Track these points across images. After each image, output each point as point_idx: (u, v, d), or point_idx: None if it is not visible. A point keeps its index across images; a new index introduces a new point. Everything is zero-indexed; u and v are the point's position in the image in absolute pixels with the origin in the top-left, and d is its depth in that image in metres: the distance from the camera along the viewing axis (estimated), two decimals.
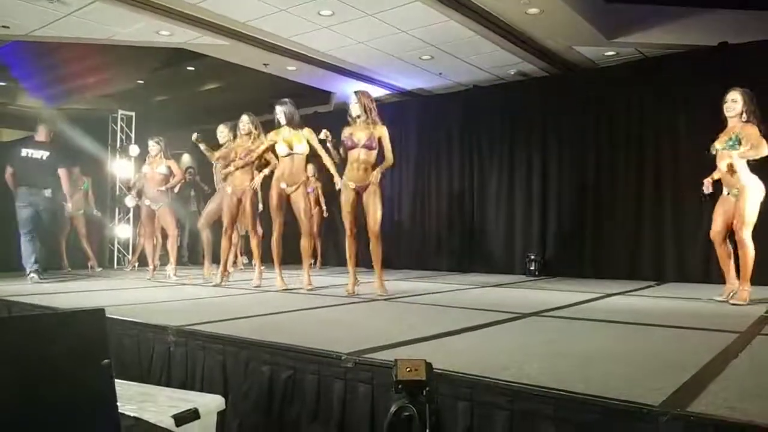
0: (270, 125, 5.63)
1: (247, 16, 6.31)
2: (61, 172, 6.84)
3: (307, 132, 5.38)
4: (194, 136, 6.17)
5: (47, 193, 6.67)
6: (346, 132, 4.99)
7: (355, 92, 5.02)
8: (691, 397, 1.83)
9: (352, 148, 4.91)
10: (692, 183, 6.47)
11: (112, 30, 6.63)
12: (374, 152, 4.92)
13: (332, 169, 5.21)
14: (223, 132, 6.49)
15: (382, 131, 4.92)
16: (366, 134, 4.87)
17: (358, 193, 4.96)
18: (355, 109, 4.92)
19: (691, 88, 6.53)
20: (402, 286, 5.96)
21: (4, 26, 6.51)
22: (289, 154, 5.34)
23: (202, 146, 6.29)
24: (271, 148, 5.51)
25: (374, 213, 4.91)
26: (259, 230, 6.27)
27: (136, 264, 9.22)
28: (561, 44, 7.06)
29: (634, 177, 7.13)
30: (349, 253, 5.10)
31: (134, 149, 9.84)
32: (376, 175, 4.88)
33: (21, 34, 6.77)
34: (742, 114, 4.35)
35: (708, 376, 2.12)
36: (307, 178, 8.67)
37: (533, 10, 6.08)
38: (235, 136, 6.23)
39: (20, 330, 1.00)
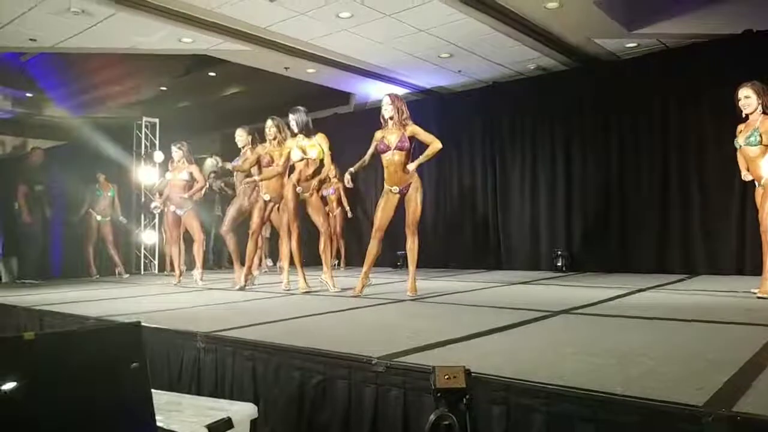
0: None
1: (267, 21, 6.33)
2: (19, 188, 8.21)
3: (319, 137, 5.45)
4: (214, 163, 6.37)
5: (16, 206, 8.26)
6: (377, 136, 5.00)
7: (388, 95, 5.02)
8: (735, 396, 1.78)
9: (385, 151, 4.91)
10: (719, 173, 6.40)
11: (135, 39, 6.69)
12: (407, 152, 4.92)
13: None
14: (241, 136, 6.51)
15: (414, 128, 4.91)
16: (397, 135, 4.87)
17: (402, 195, 4.96)
18: (387, 111, 4.92)
19: (716, 77, 6.37)
20: (429, 284, 5.93)
21: (31, 39, 6.62)
22: (302, 159, 5.41)
23: (228, 166, 6.55)
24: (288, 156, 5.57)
25: (415, 209, 4.94)
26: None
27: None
28: (581, 37, 6.96)
29: (660, 168, 7.01)
30: (370, 253, 5.07)
31: (159, 155, 9.94)
32: (414, 166, 4.86)
33: (47, 46, 6.88)
34: (758, 107, 4.32)
35: (752, 373, 2.06)
36: (329, 179, 8.75)
37: (552, 4, 5.99)
38: (253, 140, 6.35)
39: (59, 346, 1.00)
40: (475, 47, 7.20)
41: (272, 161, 5.77)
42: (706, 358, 2.36)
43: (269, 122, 5.82)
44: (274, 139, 5.79)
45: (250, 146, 6.38)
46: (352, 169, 5.09)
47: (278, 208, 5.92)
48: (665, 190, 6.97)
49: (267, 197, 5.81)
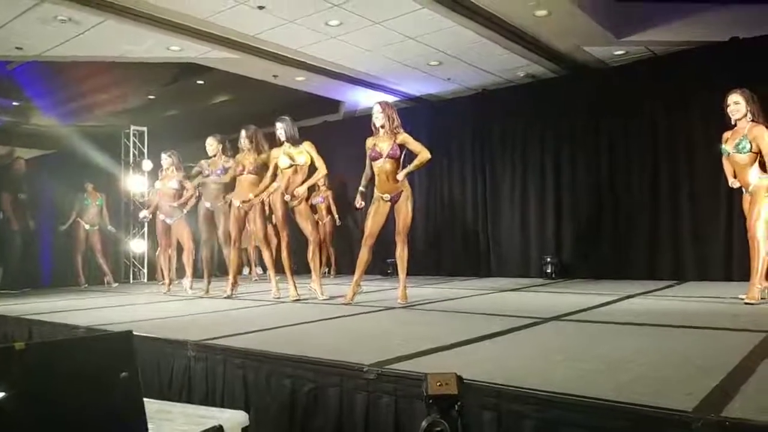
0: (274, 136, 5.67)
1: (255, 29, 6.33)
2: (3, 196, 8.32)
3: (306, 145, 5.47)
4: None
5: (0, 215, 8.31)
6: (369, 143, 5.01)
7: (378, 103, 5.02)
8: (724, 401, 1.79)
9: (377, 159, 4.92)
10: (708, 179, 6.45)
11: (123, 47, 6.67)
12: (398, 160, 4.92)
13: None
14: (212, 144, 6.57)
15: (404, 137, 4.92)
16: (389, 143, 4.88)
17: (393, 203, 4.96)
18: (379, 119, 4.93)
19: (704, 84, 6.44)
20: (419, 292, 5.93)
21: (17, 47, 6.58)
22: (291, 166, 5.42)
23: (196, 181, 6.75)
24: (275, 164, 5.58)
25: (405, 217, 4.95)
26: (274, 241, 6.27)
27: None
28: (570, 45, 7.01)
29: (649, 175, 7.05)
30: (361, 260, 5.07)
31: (147, 164, 9.90)
32: (403, 175, 4.87)
33: (34, 55, 6.84)
34: (747, 114, 4.35)
35: (740, 378, 2.08)
36: (318, 187, 8.75)
37: (541, 12, 6.04)
38: (223, 149, 6.48)
39: (50, 355, 0.99)
40: (463, 55, 7.24)
41: (244, 169, 5.84)
42: (695, 364, 2.38)
43: (243, 133, 5.91)
44: (248, 149, 5.87)
45: (221, 154, 6.50)
46: (361, 188, 5.11)
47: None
48: (655, 197, 7.01)
49: (237, 203, 5.82)
